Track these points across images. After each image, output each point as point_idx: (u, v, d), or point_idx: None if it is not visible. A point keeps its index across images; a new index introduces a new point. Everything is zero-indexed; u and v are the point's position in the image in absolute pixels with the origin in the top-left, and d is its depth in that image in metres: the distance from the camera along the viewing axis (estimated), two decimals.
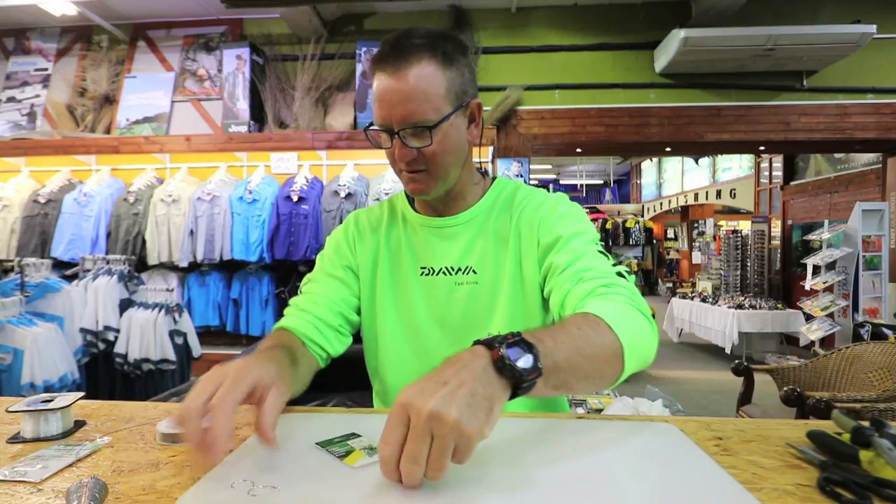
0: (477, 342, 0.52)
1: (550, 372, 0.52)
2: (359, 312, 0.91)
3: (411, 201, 0.93)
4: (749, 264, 6.76)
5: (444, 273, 0.86)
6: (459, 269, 0.85)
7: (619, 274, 0.74)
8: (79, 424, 0.69)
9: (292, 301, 0.88)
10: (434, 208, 0.89)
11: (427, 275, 0.87)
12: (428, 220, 0.89)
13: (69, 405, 0.67)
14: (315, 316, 0.84)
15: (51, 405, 0.66)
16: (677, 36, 3.31)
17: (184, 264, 3.39)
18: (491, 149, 3.60)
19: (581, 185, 14.32)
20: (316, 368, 0.83)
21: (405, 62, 0.73)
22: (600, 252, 0.78)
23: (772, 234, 6.82)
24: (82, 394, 0.72)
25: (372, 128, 0.78)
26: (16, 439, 0.64)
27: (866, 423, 0.58)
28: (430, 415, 0.44)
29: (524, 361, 0.50)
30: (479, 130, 0.83)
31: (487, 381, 0.48)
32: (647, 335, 0.66)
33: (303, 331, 0.82)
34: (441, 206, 0.88)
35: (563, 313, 0.73)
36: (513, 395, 0.50)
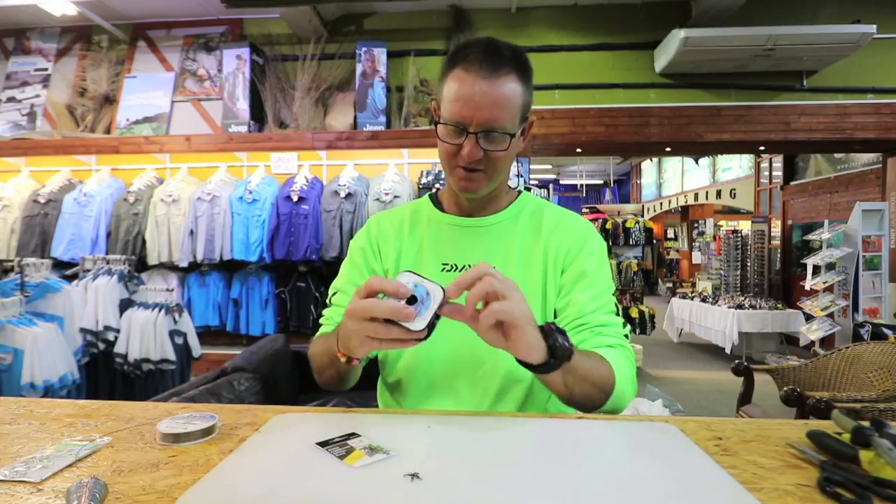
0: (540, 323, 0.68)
1: (569, 368, 0.68)
2: None
3: (436, 204, 0.96)
4: (749, 264, 6.76)
5: (466, 270, 0.86)
6: None
7: (625, 335, 0.86)
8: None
9: (326, 313, 0.92)
10: (467, 209, 0.92)
11: (449, 271, 0.88)
12: (455, 218, 0.92)
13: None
14: None
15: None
16: (677, 36, 3.31)
17: (184, 264, 3.39)
18: None
19: (581, 185, 14.31)
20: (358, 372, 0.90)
21: (497, 70, 0.77)
22: (615, 305, 0.88)
23: (772, 234, 6.82)
24: None
25: (440, 122, 0.82)
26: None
27: (866, 423, 0.58)
28: (512, 284, 0.64)
29: (564, 343, 0.67)
30: (526, 143, 0.90)
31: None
32: (630, 391, 0.80)
33: None
34: (475, 207, 0.91)
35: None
36: (534, 367, 0.66)
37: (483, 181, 0.84)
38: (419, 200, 1.00)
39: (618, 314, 0.87)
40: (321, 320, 0.93)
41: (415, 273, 0.66)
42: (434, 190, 1.02)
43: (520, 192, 0.97)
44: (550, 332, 0.66)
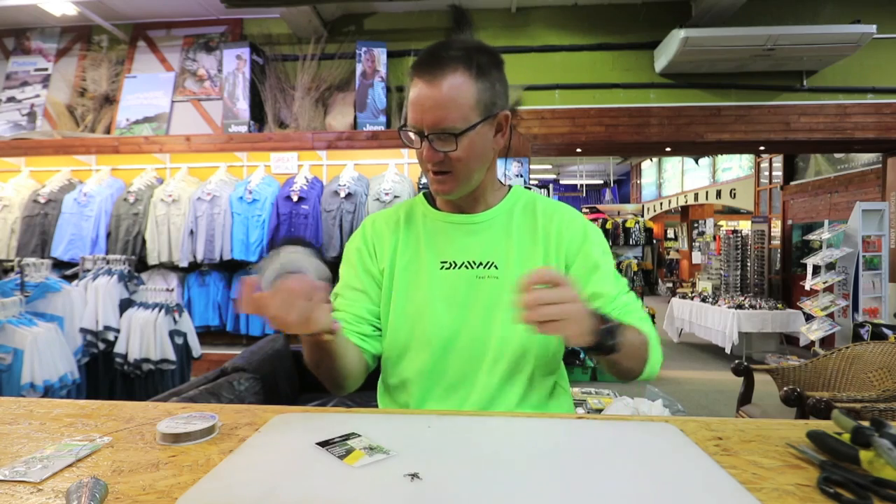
0: (595, 310, 0.71)
1: (613, 357, 0.75)
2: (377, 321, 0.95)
3: (431, 201, 0.97)
4: (749, 264, 6.76)
5: (465, 267, 0.89)
6: (481, 264, 0.88)
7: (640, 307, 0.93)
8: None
9: None
10: (458, 206, 0.93)
11: (448, 268, 0.89)
12: (451, 216, 0.93)
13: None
14: (354, 332, 0.91)
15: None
16: (677, 36, 3.31)
17: (184, 264, 3.39)
18: None
19: (581, 185, 14.31)
20: (367, 366, 0.92)
21: (440, 71, 0.78)
22: (626, 285, 0.94)
23: (772, 234, 6.82)
24: None
25: (405, 128, 0.83)
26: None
27: (866, 423, 0.58)
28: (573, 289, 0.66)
29: (609, 340, 0.72)
30: (505, 140, 0.89)
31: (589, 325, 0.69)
32: (660, 359, 0.88)
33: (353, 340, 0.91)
34: (465, 204, 0.92)
35: None
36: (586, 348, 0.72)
37: (452, 182, 0.84)
38: (414, 199, 1.00)
39: (629, 289, 0.94)
40: None
41: (263, 272, 0.71)
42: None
43: (510, 186, 0.98)
44: (602, 332, 0.71)
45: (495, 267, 0.88)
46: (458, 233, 0.91)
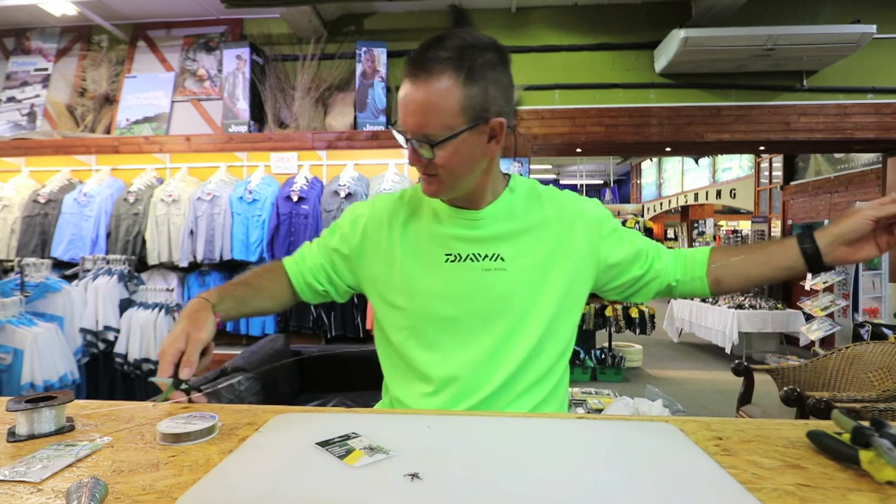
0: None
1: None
2: (330, 286, 0.99)
3: None
4: None
5: (471, 259, 0.87)
6: (487, 256, 0.87)
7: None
8: (70, 423, 0.69)
9: (300, 250, 1.01)
10: (463, 200, 0.90)
11: (453, 261, 0.88)
12: (456, 210, 0.90)
13: (63, 403, 0.68)
14: (301, 271, 0.98)
15: (45, 403, 0.66)
16: (677, 36, 3.31)
17: (184, 264, 3.39)
18: None
19: (581, 185, 14.30)
20: (286, 301, 1.01)
21: (426, 74, 0.74)
22: (647, 237, 1.00)
23: (772, 234, 6.82)
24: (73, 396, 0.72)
25: (394, 126, 0.81)
26: (13, 437, 0.65)
27: (866, 423, 0.58)
28: None
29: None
30: (500, 146, 0.84)
31: None
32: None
33: (292, 276, 0.99)
34: (466, 203, 0.90)
35: (678, 274, 0.98)
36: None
37: (437, 185, 0.83)
38: (418, 186, 0.96)
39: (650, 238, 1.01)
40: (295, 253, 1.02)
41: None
42: None
43: (508, 175, 0.95)
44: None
45: (502, 259, 0.87)
46: (462, 227, 0.89)
